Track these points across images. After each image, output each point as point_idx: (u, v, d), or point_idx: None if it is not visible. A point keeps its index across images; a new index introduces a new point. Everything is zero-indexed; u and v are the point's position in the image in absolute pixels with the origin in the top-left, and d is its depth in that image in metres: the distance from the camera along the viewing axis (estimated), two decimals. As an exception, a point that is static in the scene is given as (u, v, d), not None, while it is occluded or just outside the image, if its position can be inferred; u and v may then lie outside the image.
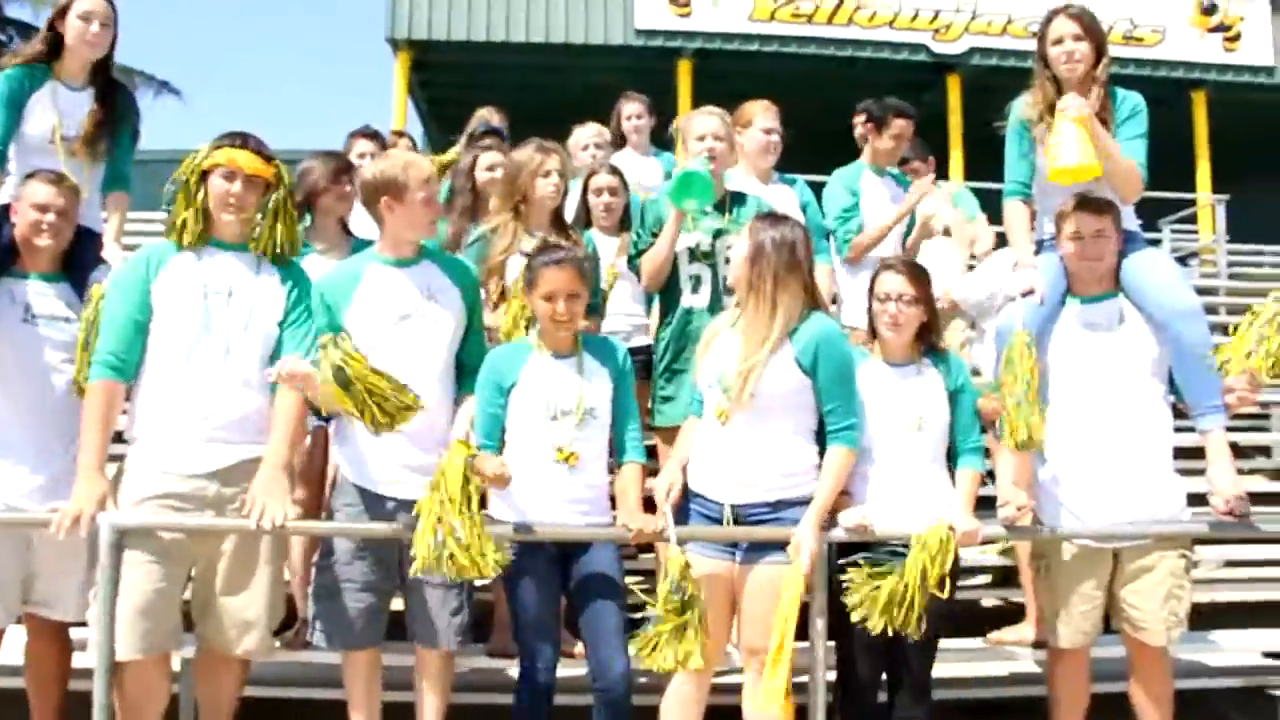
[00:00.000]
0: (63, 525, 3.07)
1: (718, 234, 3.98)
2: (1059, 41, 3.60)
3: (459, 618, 3.33)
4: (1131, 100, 3.66)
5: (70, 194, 3.58)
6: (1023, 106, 3.73)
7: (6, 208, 3.68)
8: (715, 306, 3.93)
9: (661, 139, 5.52)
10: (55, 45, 3.86)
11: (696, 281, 4.01)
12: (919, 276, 3.45)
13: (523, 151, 4.01)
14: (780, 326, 3.18)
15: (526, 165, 3.94)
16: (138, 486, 3.21)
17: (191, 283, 3.25)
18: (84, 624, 3.27)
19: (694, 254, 4.00)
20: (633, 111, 5.62)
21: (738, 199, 4.11)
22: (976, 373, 4.13)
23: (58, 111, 3.82)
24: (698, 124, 4.09)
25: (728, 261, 3.88)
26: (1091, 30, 3.60)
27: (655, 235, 4.03)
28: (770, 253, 3.20)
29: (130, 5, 3.97)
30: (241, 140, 3.29)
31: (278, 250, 3.35)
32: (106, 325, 3.28)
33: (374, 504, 3.30)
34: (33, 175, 3.59)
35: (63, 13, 3.85)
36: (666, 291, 4.12)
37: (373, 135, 5.18)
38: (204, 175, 3.27)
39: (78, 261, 3.64)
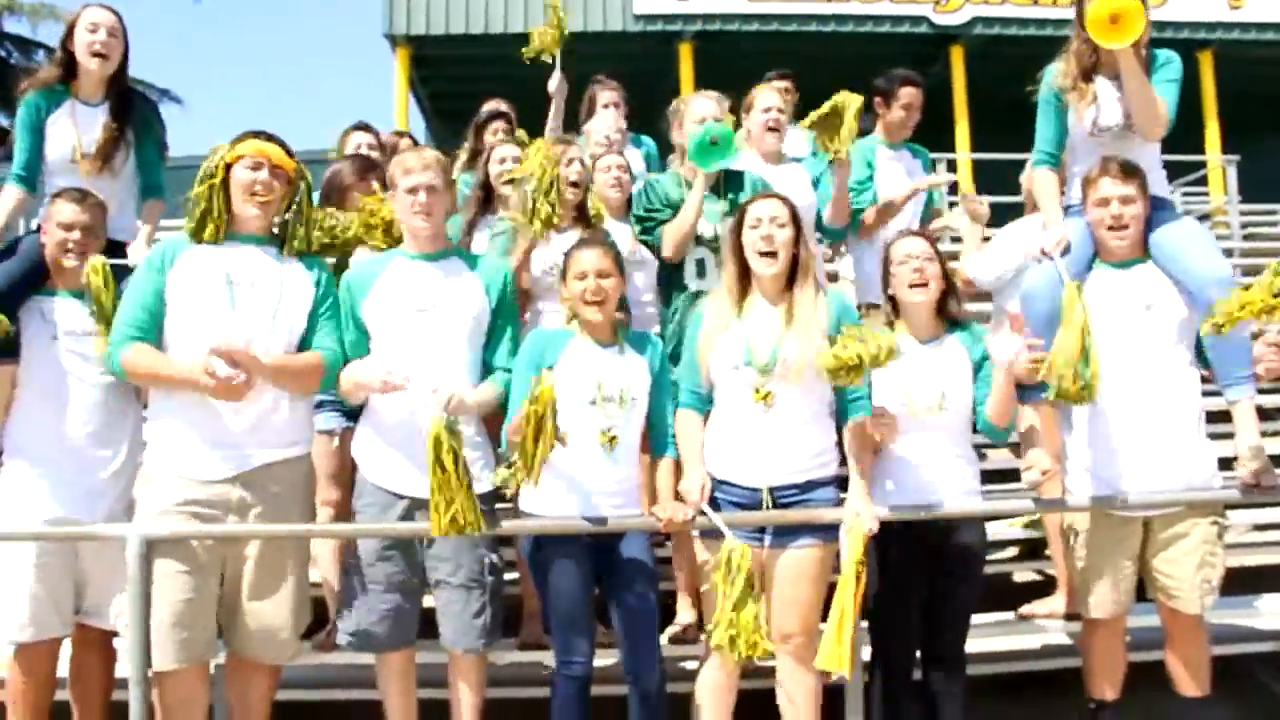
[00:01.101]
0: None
1: (714, 216, 3.96)
2: None
3: (482, 619, 3.31)
4: (1165, 54, 3.62)
5: (95, 210, 3.61)
6: (1056, 75, 3.69)
7: (39, 229, 3.71)
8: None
9: (636, 126, 5.48)
10: (70, 65, 3.89)
11: (701, 265, 3.99)
12: (933, 242, 3.49)
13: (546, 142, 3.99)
14: (821, 302, 3.23)
15: (549, 157, 3.91)
16: (159, 495, 3.22)
17: (212, 272, 3.24)
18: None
19: (698, 239, 3.97)
20: (609, 100, 5.56)
21: (733, 180, 4.08)
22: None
23: (76, 130, 3.86)
24: (695, 107, 4.07)
25: None
26: None
27: (669, 208, 3.98)
28: (803, 233, 3.26)
29: (129, 14, 3.98)
30: (267, 135, 3.33)
31: (306, 246, 3.37)
32: (117, 319, 3.28)
33: (393, 503, 3.30)
34: (59, 195, 3.63)
35: (71, 29, 3.88)
36: (667, 275, 4.08)
37: (366, 128, 5.16)
38: (228, 169, 3.28)
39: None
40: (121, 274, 3.56)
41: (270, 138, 3.33)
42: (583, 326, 3.36)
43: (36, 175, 3.91)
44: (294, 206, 3.37)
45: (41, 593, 3.41)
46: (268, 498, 3.24)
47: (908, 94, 4.98)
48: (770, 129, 4.54)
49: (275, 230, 3.39)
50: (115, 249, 3.74)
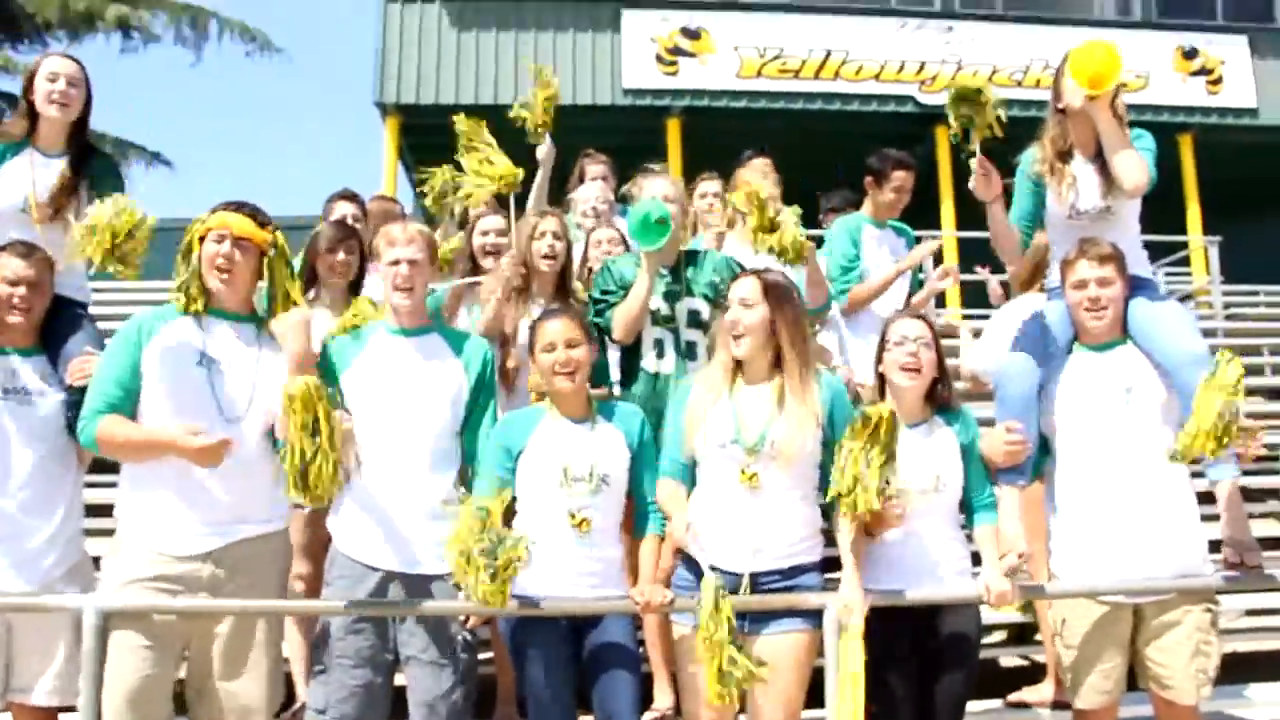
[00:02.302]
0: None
1: (672, 296, 3.88)
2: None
3: (453, 697, 3.18)
4: (1138, 130, 3.65)
5: (43, 265, 3.52)
6: (1032, 161, 3.72)
7: None
8: (680, 370, 3.81)
9: (624, 200, 5.50)
10: (33, 116, 3.82)
11: (660, 346, 3.88)
12: (933, 326, 3.45)
13: (521, 223, 3.96)
14: (813, 384, 3.16)
15: (522, 230, 3.89)
16: (127, 567, 3.11)
17: (188, 350, 3.17)
18: (73, 709, 3.15)
19: (655, 318, 3.88)
20: (597, 173, 5.57)
21: (691, 257, 4.01)
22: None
23: (33, 176, 3.77)
24: (650, 186, 4.03)
25: (692, 325, 3.85)
26: None
27: (623, 289, 3.87)
28: (795, 308, 3.22)
29: (121, 78, 3.97)
30: (236, 205, 3.25)
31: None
32: (91, 383, 3.19)
33: (366, 575, 3.21)
34: (4, 248, 3.53)
35: (31, 78, 3.82)
36: (627, 357, 3.97)
37: (351, 197, 5.15)
38: (202, 241, 3.22)
39: (55, 333, 3.59)
40: (70, 333, 3.50)
41: (241, 207, 3.25)
42: (553, 401, 3.30)
43: None
44: (268, 273, 3.28)
45: None
46: (242, 575, 3.14)
47: (900, 177, 5.02)
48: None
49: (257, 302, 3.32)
50: (64, 306, 3.66)
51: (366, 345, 3.32)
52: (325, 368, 3.28)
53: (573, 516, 3.16)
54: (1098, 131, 3.53)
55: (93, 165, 3.91)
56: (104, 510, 3.54)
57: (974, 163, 3.62)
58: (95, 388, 3.17)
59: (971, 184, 3.63)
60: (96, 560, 3.55)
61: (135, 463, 3.17)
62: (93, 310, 3.92)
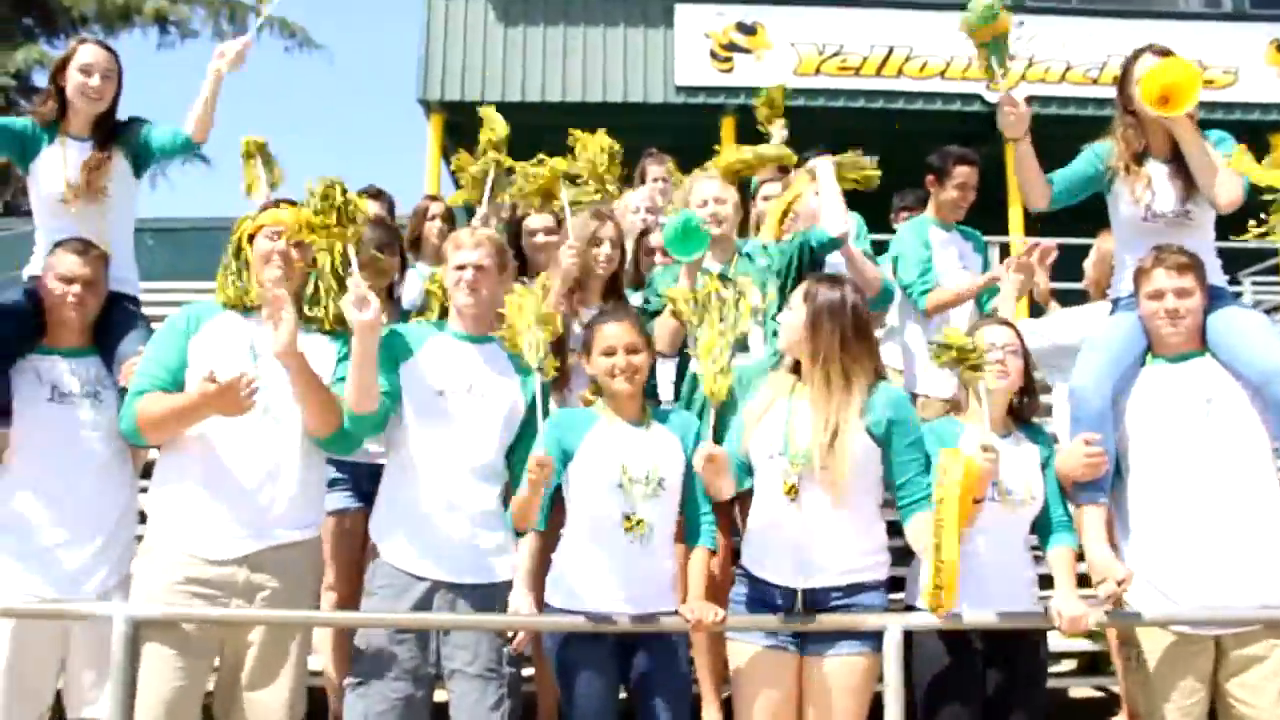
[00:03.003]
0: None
1: None
2: None
3: (499, 711, 3.23)
4: (1215, 135, 3.61)
5: (98, 262, 3.62)
6: (1111, 154, 3.67)
7: (31, 279, 3.73)
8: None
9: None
10: (63, 103, 3.95)
11: None
12: (1020, 334, 3.45)
13: (577, 220, 4.01)
14: (860, 397, 3.14)
15: (581, 234, 3.94)
16: (160, 571, 3.19)
17: (237, 343, 3.28)
18: None
19: None
20: (658, 174, 5.62)
21: (746, 255, 4.09)
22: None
23: (66, 166, 3.89)
24: (697, 189, 4.10)
25: None
26: None
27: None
28: (837, 317, 3.18)
29: (158, 74, 4.07)
30: (289, 204, 3.40)
31: (328, 317, 3.41)
32: (136, 372, 3.30)
33: (411, 585, 3.26)
34: (60, 245, 3.64)
35: (63, 66, 3.93)
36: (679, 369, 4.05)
37: (377, 195, 5.28)
38: (251, 240, 3.37)
39: (107, 331, 3.67)
40: (124, 332, 3.60)
41: (294, 205, 3.38)
42: (608, 403, 3.33)
43: None
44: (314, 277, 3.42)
45: (13, 686, 3.29)
46: (277, 582, 3.21)
47: (962, 173, 4.97)
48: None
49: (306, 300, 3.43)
50: (116, 302, 3.75)
51: (427, 344, 3.41)
52: (389, 352, 3.35)
53: (628, 519, 3.18)
54: (1174, 135, 3.49)
55: (120, 136, 4.02)
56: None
57: (1002, 96, 3.55)
58: (139, 373, 3.27)
59: (1000, 121, 3.57)
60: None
61: (175, 449, 3.25)
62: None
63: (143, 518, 3.44)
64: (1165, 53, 3.56)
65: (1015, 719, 3.23)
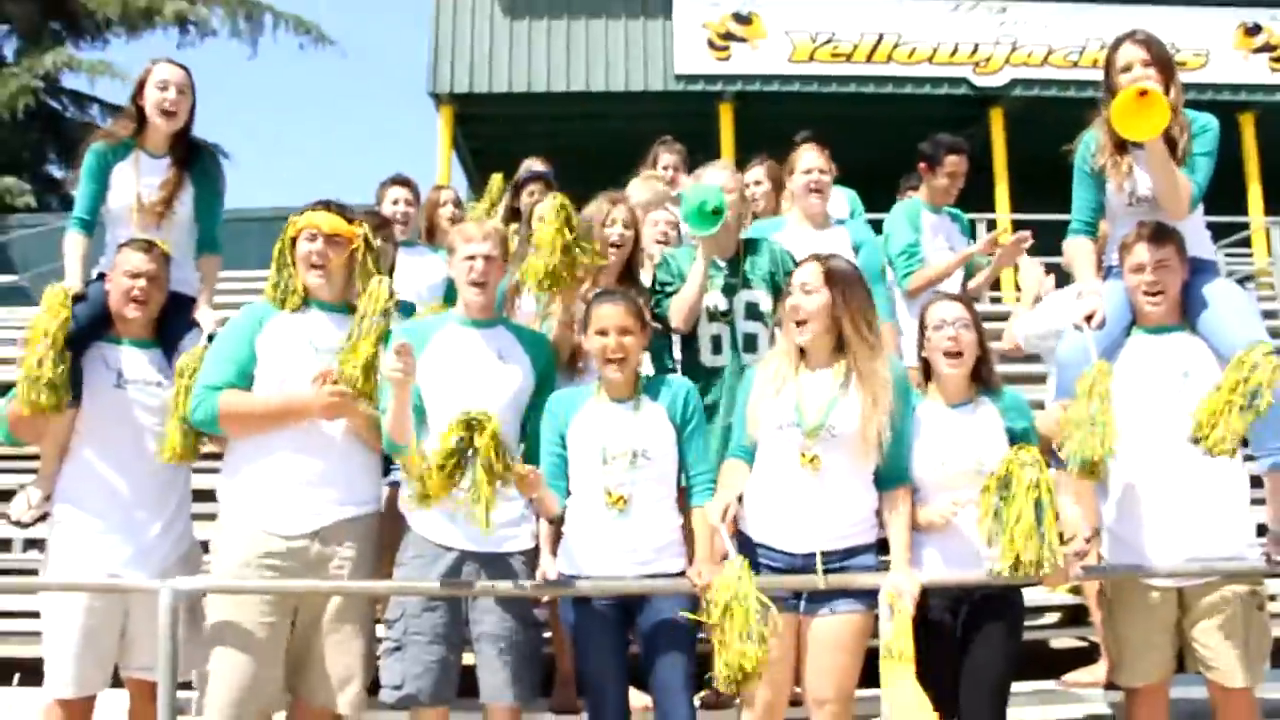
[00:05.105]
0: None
1: (730, 290, 3.94)
2: (1128, 69, 3.53)
3: (523, 673, 3.29)
4: (1201, 120, 3.61)
5: (161, 260, 3.70)
6: (1091, 153, 3.68)
7: (103, 276, 3.81)
8: (735, 364, 3.87)
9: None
10: (141, 119, 3.99)
11: (716, 342, 3.94)
12: (971, 306, 3.46)
13: (591, 204, 4.03)
14: (881, 368, 3.19)
15: (594, 217, 3.95)
16: (237, 547, 3.30)
17: (297, 338, 3.39)
18: (188, 684, 3.35)
19: (711, 314, 3.92)
20: (669, 163, 5.59)
21: (750, 247, 4.05)
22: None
23: (138, 180, 3.94)
24: (707, 177, 4.06)
25: (750, 317, 3.90)
26: (1160, 57, 3.53)
27: (682, 280, 3.93)
28: (859, 290, 3.24)
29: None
30: (324, 205, 3.50)
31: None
32: (207, 365, 3.39)
33: (440, 555, 3.31)
34: (126, 244, 3.72)
35: (141, 85, 3.98)
36: (685, 352, 4.03)
37: (405, 183, 5.24)
38: (294, 243, 3.48)
39: (169, 328, 3.77)
40: (184, 329, 3.69)
41: (328, 206, 3.49)
42: (601, 382, 3.38)
43: (95, 221, 3.99)
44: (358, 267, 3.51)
45: (87, 652, 3.45)
46: (345, 553, 3.33)
47: (953, 162, 5.03)
48: (813, 190, 4.57)
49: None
50: (177, 302, 3.83)
51: (437, 335, 3.44)
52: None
53: (609, 494, 3.23)
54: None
55: (196, 164, 4.07)
56: (208, 495, 3.69)
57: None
58: (211, 366, 3.37)
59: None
60: (205, 545, 3.71)
61: (247, 437, 3.36)
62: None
63: (212, 496, 3.55)
64: (1145, 42, 3.54)
65: (983, 658, 3.26)
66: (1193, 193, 3.52)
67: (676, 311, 3.90)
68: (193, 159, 4.06)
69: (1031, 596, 3.48)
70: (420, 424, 3.34)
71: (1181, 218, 3.54)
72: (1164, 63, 3.53)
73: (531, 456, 3.39)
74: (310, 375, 3.32)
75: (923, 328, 3.46)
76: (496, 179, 5.83)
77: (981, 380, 3.43)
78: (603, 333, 3.31)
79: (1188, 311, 3.51)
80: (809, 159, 4.64)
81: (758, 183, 5.12)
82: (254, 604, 3.24)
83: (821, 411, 3.18)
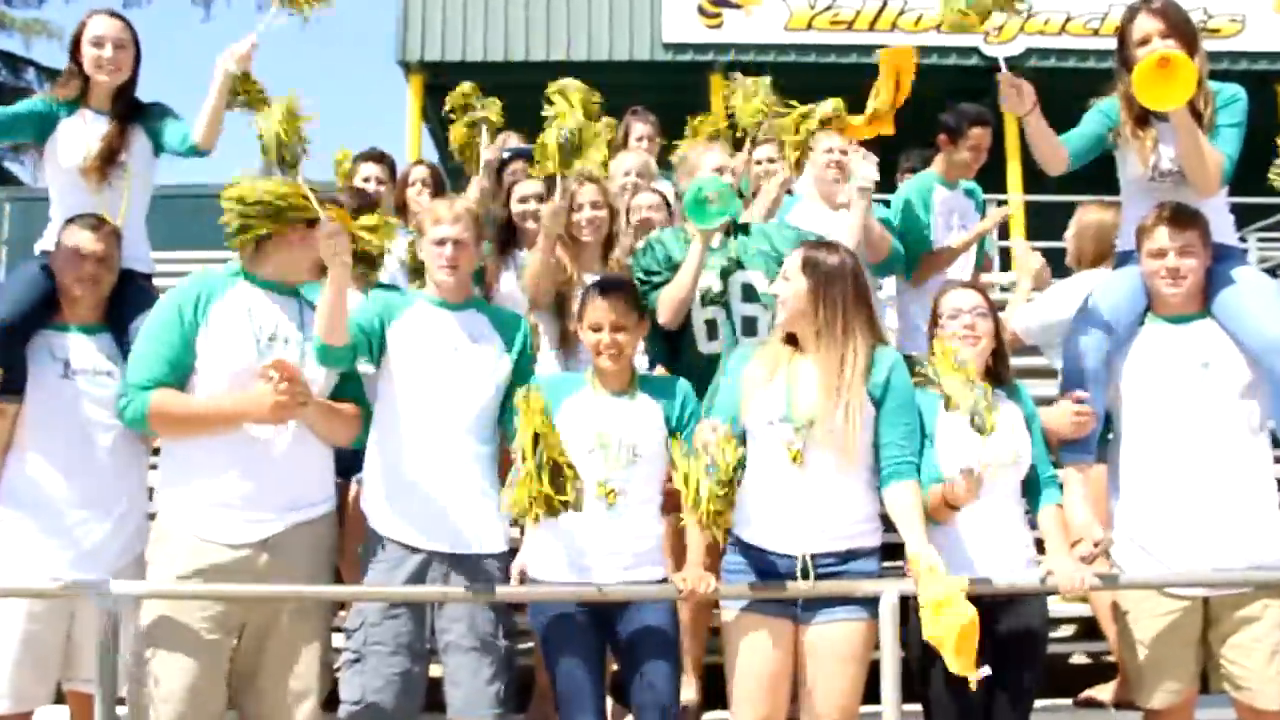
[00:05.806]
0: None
1: (725, 272, 3.93)
2: (1145, 41, 3.47)
3: (495, 685, 3.29)
4: (1228, 91, 3.59)
5: (111, 239, 3.66)
6: (1114, 116, 3.64)
7: (44, 254, 3.77)
8: (733, 349, 3.83)
9: (669, 161, 5.49)
10: (85, 78, 3.95)
11: (711, 326, 3.94)
12: (986, 294, 3.47)
13: (564, 184, 4.00)
14: (864, 362, 3.17)
15: (565, 189, 3.93)
16: (176, 558, 3.22)
17: (240, 326, 3.28)
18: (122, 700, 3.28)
19: (705, 298, 3.92)
20: (642, 133, 5.62)
21: (741, 228, 4.07)
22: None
23: (86, 137, 3.90)
24: (706, 160, 4.05)
25: (747, 299, 3.90)
26: (1179, 26, 3.48)
27: (670, 269, 3.92)
28: (840, 284, 3.21)
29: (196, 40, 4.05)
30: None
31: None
32: (139, 361, 3.28)
33: (405, 558, 3.30)
34: (72, 221, 3.66)
35: (77, 41, 3.94)
36: (672, 339, 4.01)
37: (378, 158, 5.23)
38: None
39: (120, 308, 3.70)
40: (136, 310, 3.60)
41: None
42: (595, 373, 3.40)
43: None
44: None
45: (26, 662, 3.40)
46: (294, 562, 3.27)
47: (977, 134, 4.98)
48: (833, 168, 4.59)
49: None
50: (129, 280, 3.78)
51: (407, 312, 3.44)
52: (371, 323, 3.38)
53: (601, 486, 3.23)
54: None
55: (142, 114, 4.04)
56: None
57: (1001, 76, 3.50)
58: (142, 362, 3.27)
59: (1002, 101, 3.52)
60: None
61: (186, 438, 3.27)
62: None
63: (153, 495, 3.49)
64: (1161, 11, 3.49)
65: (1010, 681, 3.25)
66: (1224, 166, 3.50)
67: (667, 306, 3.88)
68: (137, 114, 4.04)
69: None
70: (367, 418, 3.39)
71: (1212, 193, 3.53)
72: (1184, 31, 3.47)
73: (512, 439, 3.36)
74: (253, 366, 3.22)
75: (935, 317, 3.45)
76: (464, 87, 5.71)
77: (995, 375, 3.42)
78: (597, 327, 3.34)
79: (1208, 298, 3.50)
80: (829, 139, 4.63)
81: (770, 160, 5.08)
82: (195, 619, 3.15)
83: (808, 406, 3.17)
